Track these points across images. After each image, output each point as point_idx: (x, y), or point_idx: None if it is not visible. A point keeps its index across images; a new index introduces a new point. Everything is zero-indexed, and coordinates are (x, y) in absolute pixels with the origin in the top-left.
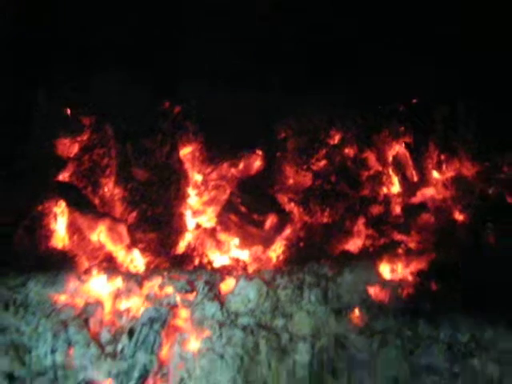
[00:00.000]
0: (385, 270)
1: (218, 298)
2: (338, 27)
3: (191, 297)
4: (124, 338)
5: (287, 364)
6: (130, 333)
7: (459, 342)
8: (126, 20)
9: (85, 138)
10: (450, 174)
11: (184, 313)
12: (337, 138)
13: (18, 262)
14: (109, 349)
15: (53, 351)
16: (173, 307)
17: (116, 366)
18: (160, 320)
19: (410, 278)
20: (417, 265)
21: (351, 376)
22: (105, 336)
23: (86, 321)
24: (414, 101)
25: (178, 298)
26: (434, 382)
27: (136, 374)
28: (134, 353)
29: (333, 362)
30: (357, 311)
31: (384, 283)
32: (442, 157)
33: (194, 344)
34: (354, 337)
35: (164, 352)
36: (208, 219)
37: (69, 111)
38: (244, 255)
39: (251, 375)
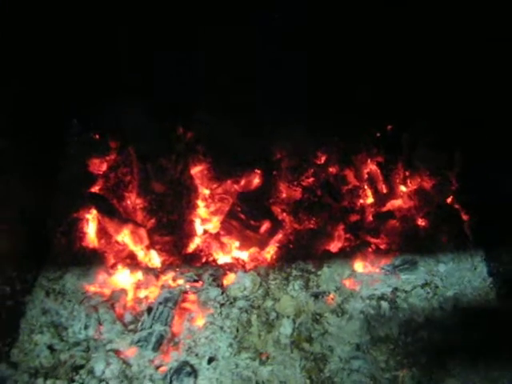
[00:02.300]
0: (358, 265)
1: (220, 287)
2: (325, 65)
3: (198, 285)
4: (144, 315)
5: (273, 334)
6: (149, 310)
7: (414, 320)
8: (151, 62)
9: (112, 158)
10: (413, 187)
11: (192, 297)
12: (323, 159)
13: (57, 258)
14: (131, 327)
15: (86, 327)
16: (183, 293)
17: (137, 335)
18: (173, 299)
19: (377, 271)
20: (384, 261)
21: (323, 343)
22: (128, 317)
23: (113, 305)
24: (389, 127)
25: (188, 286)
26: (390, 349)
27: (154, 339)
28: (152, 325)
29: (309, 333)
30: (331, 296)
31: (356, 275)
32: (407, 173)
33: (199, 320)
34: (327, 315)
35: (176, 327)
36: (213, 226)
37: (98, 136)
38: (243, 255)
39: (244, 342)
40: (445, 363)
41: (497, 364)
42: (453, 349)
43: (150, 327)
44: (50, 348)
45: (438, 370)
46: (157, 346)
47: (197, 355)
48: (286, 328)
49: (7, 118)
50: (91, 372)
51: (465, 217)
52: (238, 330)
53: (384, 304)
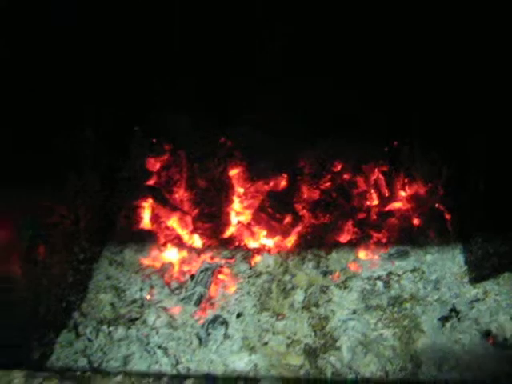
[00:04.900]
0: (361, 253)
1: (249, 264)
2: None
3: (231, 261)
4: (188, 281)
5: (289, 300)
6: (192, 276)
7: (401, 296)
8: (200, 83)
9: (165, 158)
10: (410, 192)
11: (226, 270)
12: (339, 167)
13: (118, 236)
14: (176, 291)
15: (141, 290)
16: (219, 267)
17: (182, 295)
18: (211, 269)
19: (376, 258)
20: (383, 251)
21: (327, 308)
22: (174, 284)
23: (162, 275)
24: (395, 144)
25: (223, 262)
26: (379, 315)
27: (195, 297)
28: (194, 287)
29: (317, 300)
30: (337, 274)
31: (359, 260)
32: (406, 181)
33: (231, 287)
34: (332, 288)
35: (212, 292)
36: (246, 217)
37: (155, 140)
38: (269, 242)
39: (266, 305)
40: (421, 326)
41: (461, 326)
42: (429, 315)
43: (193, 288)
44: (112, 305)
45: (415, 331)
46: (198, 303)
47: (228, 311)
48: (299, 296)
49: (95, 127)
50: (144, 322)
51: (447, 216)
52: (261, 295)
53: (379, 283)
